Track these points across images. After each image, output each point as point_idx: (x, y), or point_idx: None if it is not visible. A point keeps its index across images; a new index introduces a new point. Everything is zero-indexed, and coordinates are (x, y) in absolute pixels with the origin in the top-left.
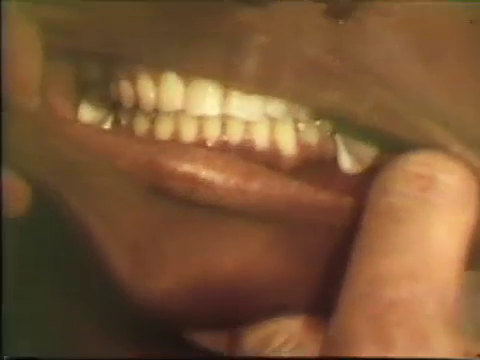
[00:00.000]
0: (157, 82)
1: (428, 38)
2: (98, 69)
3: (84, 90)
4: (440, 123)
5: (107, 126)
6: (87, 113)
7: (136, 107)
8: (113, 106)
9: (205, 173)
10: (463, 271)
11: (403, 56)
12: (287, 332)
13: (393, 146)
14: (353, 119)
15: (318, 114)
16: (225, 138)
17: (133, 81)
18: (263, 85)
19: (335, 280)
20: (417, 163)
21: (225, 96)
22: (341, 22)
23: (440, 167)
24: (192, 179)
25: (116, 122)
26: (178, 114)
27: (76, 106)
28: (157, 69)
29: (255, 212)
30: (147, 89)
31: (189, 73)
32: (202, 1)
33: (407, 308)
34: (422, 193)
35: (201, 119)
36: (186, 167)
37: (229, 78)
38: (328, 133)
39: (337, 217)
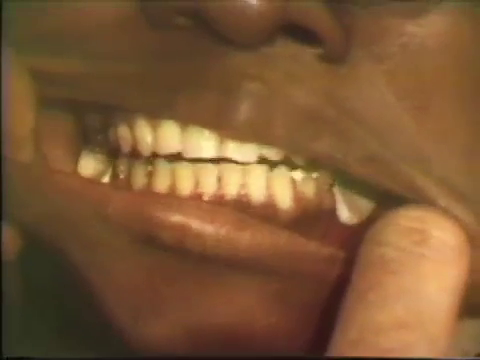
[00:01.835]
0: (154, 127)
1: (420, 85)
2: (97, 118)
3: (84, 140)
4: (428, 175)
5: (106, 178)
6: (88, 164)
7: (134, 155)
8: (113, 155)
9: (195, 223)
10: (454, 322)
11: (394, 104)
12: None
13: (390, 199)
14: (343, 168)
15: (314, 165)
16: (221, 192)
17: (131, 126)
18: (255, 133)
19: (328, 332)
20: (411, 218)
21: (221, 139)
22: (335, 67)
23: (433, 223)
24: (182, 229)
25: (115, 175)
26: (175, 165)
27: (76, 156)
28: (154, 116)
29: (246, 263)
30: (144, 134)
31: (183, 120)
32: (194, 46)
33: (398, 357)
34: (415, 247)
35: (198, 172)
36: (176, 217)
37: (221, 126)
38: (326, 186)
39: (330, 269)
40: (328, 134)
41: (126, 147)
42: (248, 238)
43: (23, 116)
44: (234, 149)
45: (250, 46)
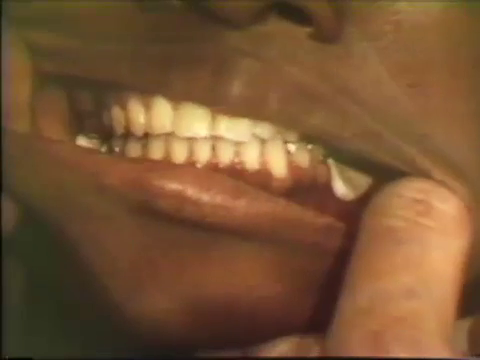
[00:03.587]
0: (147, 107)
1: (413, 63)
2: (90, 99)
3: (79, 122)
4: (423, 151)
5: None
6: (82, 143)
7: (128, 134)
8: (107, 136)
9: (192, 190)
10: (459, 292)
11: (388, 81)
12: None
13: (386, 174)
14: (338, 144)
15: (308, 138)
16: (215, 161)
17: (124, 107)
18: (249, 109)
19: (327, 302)
20: (413, 189)
21: (214, 118)
22: (329, 46)
23: (435, 194)
24: (179, 196)
25: (109, 151)
26: (168, 138)
27: (72, 135)
28: (147, 94)
29: (243, 231)
30: (137, 114)
31: (177, 98)
32: (186, 26)
33: (407, 325)
34: (420, 217)
35: (191, 142)
36: (173, 185)
37: (215, 102)
38: (320, 157)
39: (327, 239)
40: (322, 109)
41: (119, 128)
42: (245, 205)
43: (20, 88)
44: (227, 128)
45: (242, 25)
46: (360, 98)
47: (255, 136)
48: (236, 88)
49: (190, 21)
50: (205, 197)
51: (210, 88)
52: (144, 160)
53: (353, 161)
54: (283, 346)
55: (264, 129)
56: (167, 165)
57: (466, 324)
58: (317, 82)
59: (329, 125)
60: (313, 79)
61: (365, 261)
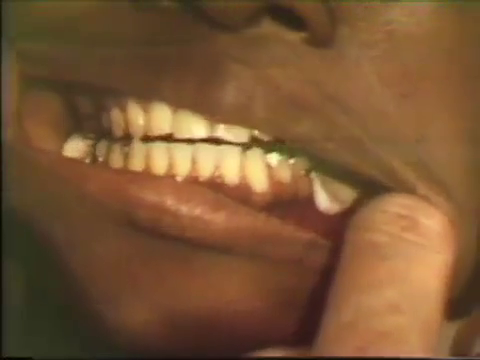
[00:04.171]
0: (146, 109)
1: (406, 73)
2: (89, 102)
3: (76, 123)
4: (408, 163)
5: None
6: (77, 148)
7: (127, 136)
8: (102, 138)
9: (171, 202)
10: (443, 306)
11: (379, 90)
12: None
13: (371, 188)
14: (323, 154)
15: (292, 152)
16: (194, 174)
17: (123, 109)
18: (237, 116)
19: (308, 317)
20: (397, 205)
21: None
22: (322, 51)
23: (420, 210)
24: (158, 208)
25: (94, 159)
26: (149, 149)
27: (62, 138)
28: (143, 98)
29: (222, 245)
30: (136, 116)
31: (169, 103)
32: (178, 28)
33: (391, 340)
34: (404, 233)
35: (171, 154)
36: (152, 196)
37: (204, 109)
38: (302, 171)
39: (308, 254)
40: (310, 118)
41: (119, 130)
42: (224, 219)
43: (7, 95)
44: (226, 130)
45: (235, 27)
46: (349, 107)
47: (254, 138)
48: (224, 95)
49: (182, 23)
50: (184, 209)
51: (198, 95)
52: (125, 171)
53: (337, 174)
54: (271, 353)
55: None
56: (147, 176)
57: (451, 329)
58: (306, 90)
59: (315, 134)
60: (302, 85)
61: (349, 276)
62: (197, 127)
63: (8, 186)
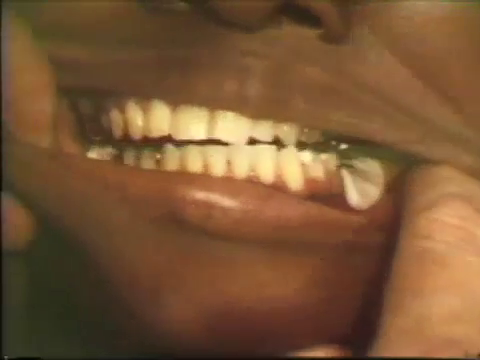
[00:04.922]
0: (145, 110)
1: (427, 53)
2: (90, 103)
3: (80, 127)
4: (445, 137)
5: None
6: (99, 152)
7: (126, 139)
8: (106, 143)
9: (221, 197)
10: None
11: (402, 70)
12: None
13: (399, 179)
14: (367, 138)
15: (322, 146)
16: (230, 175)
17: (122, 110)
18: (272, 110)
19: (351, 314)
20: (451, 216)
21: (211, 121)
22: (339, 46)
23: (473, 221)
24: (208, 204)
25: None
26: (183, 150)
27: (82, 144)
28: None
29: (272, 238)
30: (135, 116)
31: (202, 104)
32: (194, 30)
33: (459, 348)
34: (462, 243)
35: (205, 156)
36: (202, 192)
37: (238, 106)
38: (334, 167)
39: (353, 236)
40: (344, 105)
41: (118, 131)
42: (276, 209)
43: (44, 102)
44: (224, 130)
45: (252, 27)
46: (378, 91)
47: (253, 139)
48: (257, 90)
49: (197, 25)
50: (235, 203)
51: (232, 92)
52: (164, 171)
53: (366, 166)
54: (319, 353)
55: (263, 132)
56: (191, 175)
57: None
58: (335, 79)
59: (355, 120)
60: (331, 76)
61: (409, 281)
62: (196, 128)
63: (40, 190)
